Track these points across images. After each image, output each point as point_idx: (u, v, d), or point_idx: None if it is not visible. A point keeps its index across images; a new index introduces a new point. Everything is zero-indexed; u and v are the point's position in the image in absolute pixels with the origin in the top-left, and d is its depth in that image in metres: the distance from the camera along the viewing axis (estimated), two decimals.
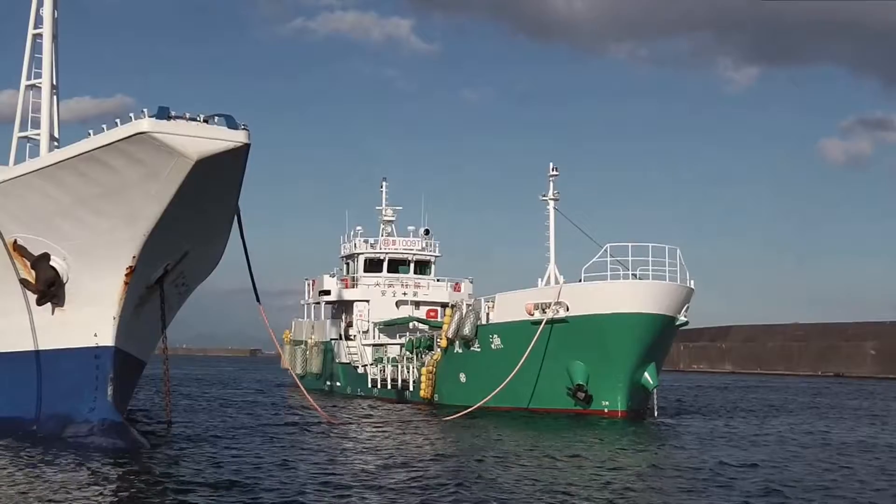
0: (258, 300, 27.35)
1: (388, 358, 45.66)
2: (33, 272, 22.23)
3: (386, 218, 54.83)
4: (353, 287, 51.06)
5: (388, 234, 53.87)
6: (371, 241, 52.50)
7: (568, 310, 31.67)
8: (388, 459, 20.37)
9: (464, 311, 35.79)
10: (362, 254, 51.54)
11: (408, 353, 43.97)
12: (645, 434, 27.53)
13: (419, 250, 52.15)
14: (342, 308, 52.46)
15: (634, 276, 31.39)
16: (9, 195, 21.88)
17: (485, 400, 32.27)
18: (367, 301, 50.26)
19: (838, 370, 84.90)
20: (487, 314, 35.04)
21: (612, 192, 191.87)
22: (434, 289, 51.46)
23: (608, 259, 31.35)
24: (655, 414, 32.92)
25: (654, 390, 32.81)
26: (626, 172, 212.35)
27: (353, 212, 76.37)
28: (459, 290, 51.64)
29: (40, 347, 22.90)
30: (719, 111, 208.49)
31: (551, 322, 31.79)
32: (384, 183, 55.43)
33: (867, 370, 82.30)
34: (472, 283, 52.75)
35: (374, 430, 27.56)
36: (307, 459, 20.38)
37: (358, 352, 48.48)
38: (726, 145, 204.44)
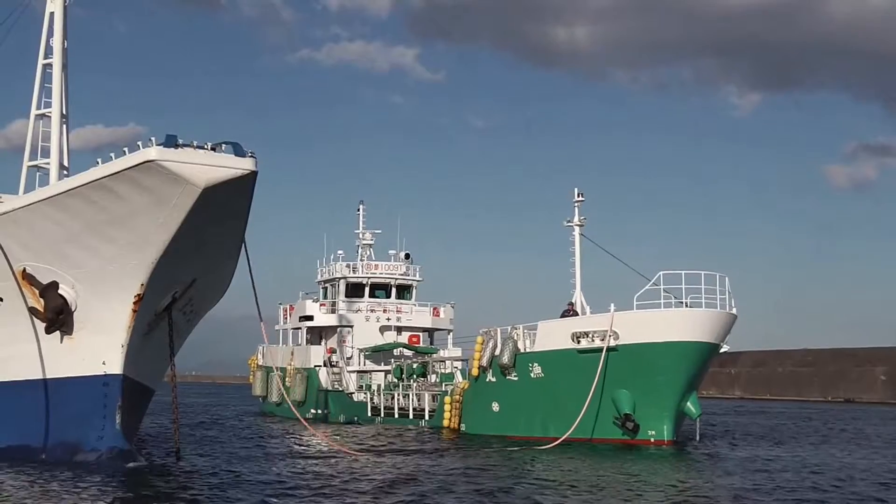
0: (261, 318, 29.20)
1: (380, 385, 48.08)
2: (42, 301, 24.54)
3: (364, 242, 57.71)
4: (335, 312, 53.82)
5: (369, 258, 56.84)
6: (351, 265, 55.43)
7: (618, 338, 33.28)
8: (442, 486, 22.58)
9: (499, 339, 36.91)
10: (344, 278, 54.31)
11: (395, 379, 46.47)
12: (709, 462, 29.63)
13: (401, 275, 55.21)
14: (320, 333, 55.22)
15: (685, 304, 33.23)
16: (18, 223, 24.06)
17: (567, 434, 33.17)
18: (351, 326, 53.21)
19: (848, 395, 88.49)
20: (522, 341, 36.32)
21: (615, 215, 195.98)
22: (416, 314, 54.54)
23: (661, 287, 33.00)
24: (697, 438, 35.41)
25: (697, 419, 34.69)
26: (628, 195, 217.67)
27: (329, 236, 79.36)
28: (439, 315, 54.78)
29: (48, 375, 25.21)
30: (723, 136, 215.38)
31: (600, 350, 33.29)
32: (361, 206, 58.25)
33: (877, 395, 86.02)
34: (453, 307, 55.88)
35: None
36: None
37: (343, 378, 51.19)
38: (731, 170, 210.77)
